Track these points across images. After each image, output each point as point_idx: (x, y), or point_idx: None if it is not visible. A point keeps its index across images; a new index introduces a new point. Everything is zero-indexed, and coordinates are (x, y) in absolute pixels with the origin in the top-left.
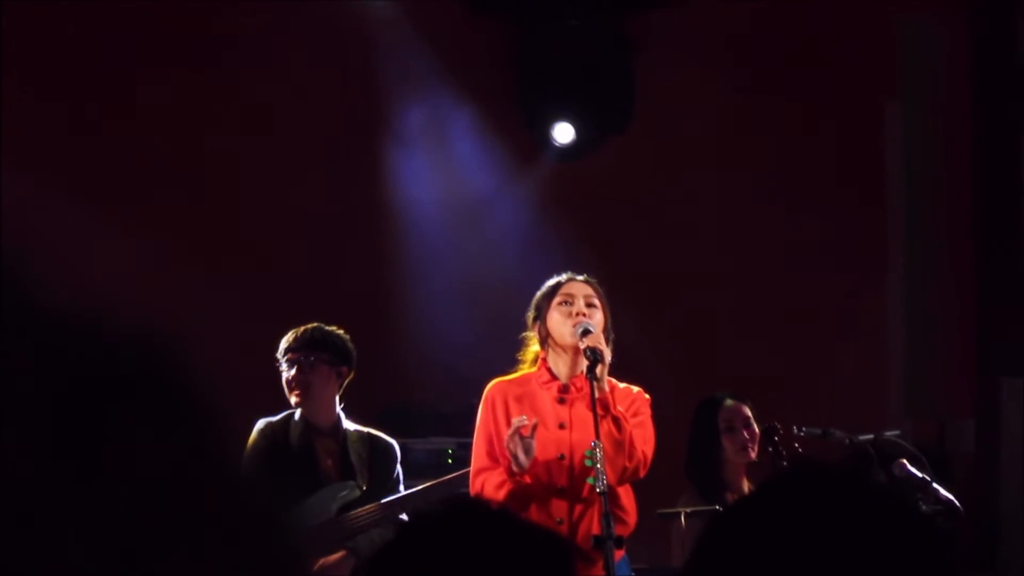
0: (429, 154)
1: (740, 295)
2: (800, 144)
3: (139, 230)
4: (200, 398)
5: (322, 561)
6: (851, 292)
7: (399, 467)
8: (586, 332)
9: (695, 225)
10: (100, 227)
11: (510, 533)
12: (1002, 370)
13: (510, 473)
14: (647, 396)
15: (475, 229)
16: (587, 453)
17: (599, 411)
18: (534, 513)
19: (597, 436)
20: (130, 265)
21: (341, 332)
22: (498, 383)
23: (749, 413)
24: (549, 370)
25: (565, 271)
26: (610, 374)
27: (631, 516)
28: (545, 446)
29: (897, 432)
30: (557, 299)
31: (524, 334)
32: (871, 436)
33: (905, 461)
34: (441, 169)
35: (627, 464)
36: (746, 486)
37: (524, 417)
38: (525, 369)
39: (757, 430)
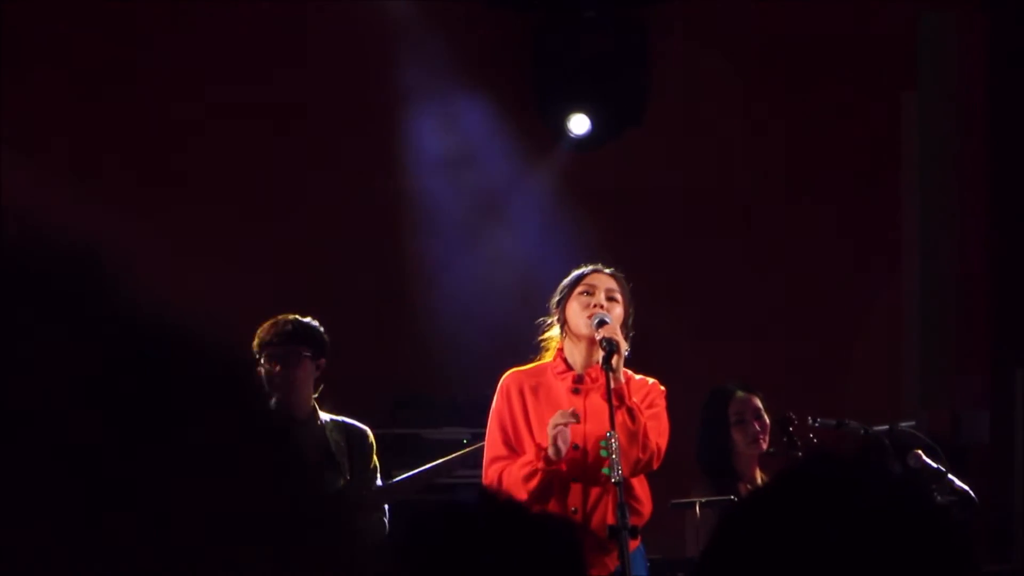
0: (446, 146)
1: (756, 286)
2: (817, 136)
3: (155, 218)
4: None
5: None
6: (866, 283)
7: (375, 455)
8: (602, 323)
9: (711, 216)
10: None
11: (524, 525)
12: (1017, 361)
13: (547, 462)
14: (662, 388)
15: (492, 221)
16: (602, 443)
17: (614, 402)
18: (551, 503)
19: (612, 426)
20: (150, 253)
21: (316, 323)
22: (513, 373)
23: (760, 404)
24: (565, 360)
25: (581, 262)
26: (626, 365)
27: (646, 507)
28: None
29: (912, 423)
30: (579, 289)
31: (544, 319)
32: (886, 427)
33: (920, 452)
34: (458, 161)
35: (641, 455)
36: (759, 477)
37: (574, 409)
38: (545, 357)
39: (768, 421)
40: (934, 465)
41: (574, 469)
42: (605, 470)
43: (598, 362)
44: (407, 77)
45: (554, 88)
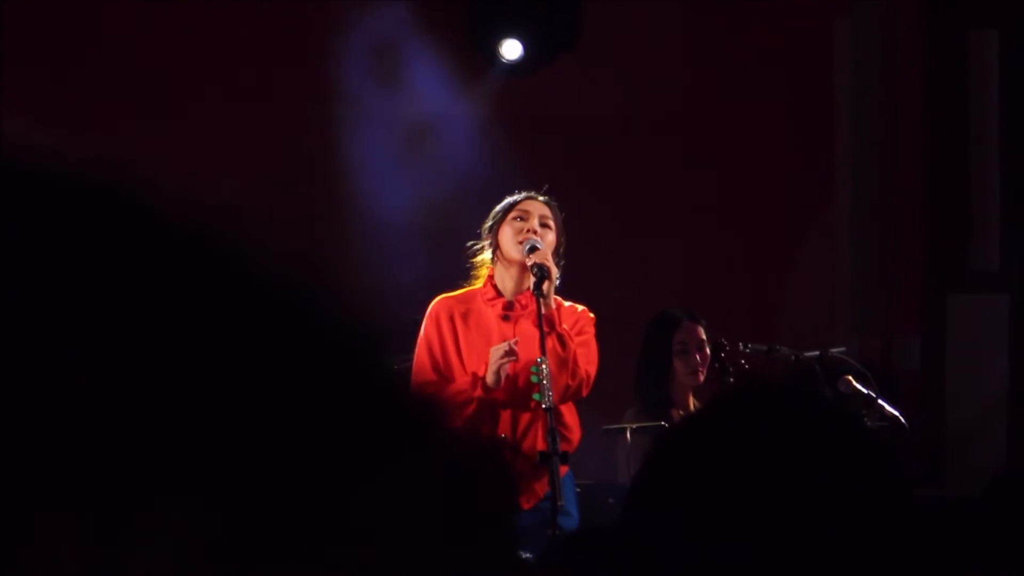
0: (378, 72)
1: (688, 213)
2: (751, 64)
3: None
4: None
5: None
6: (799, 210)
7: None
8: (533, 249)
9: (645, 143)
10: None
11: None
12: (948, 287)
13: (485, 390)
14: (591, 315)
15: (424, 147)
16: (533, 369)
17: (545, 328)
18: (482, 430)
19: (543, 352)
20: None
21: None
22: (443, 299)
23: (703, 336)
24: (495, 287)
25: (513, 188)
26: (556, 293)
27: (574, 433)
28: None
29: (843, 349)
30: (512, 214)
31: (474, 243)
32: (817, 353)
33: (851, 377)
34: (389, 87)
35: (570, 382)
36: (692, 403)
37: (517, 339)
38: (475, 283)
39: (709, 353)
40: (864, 391)
41: (505, 395)
42: (536, 396)
43: (529, 288)
44: (339, 2)
45: (486, 13)
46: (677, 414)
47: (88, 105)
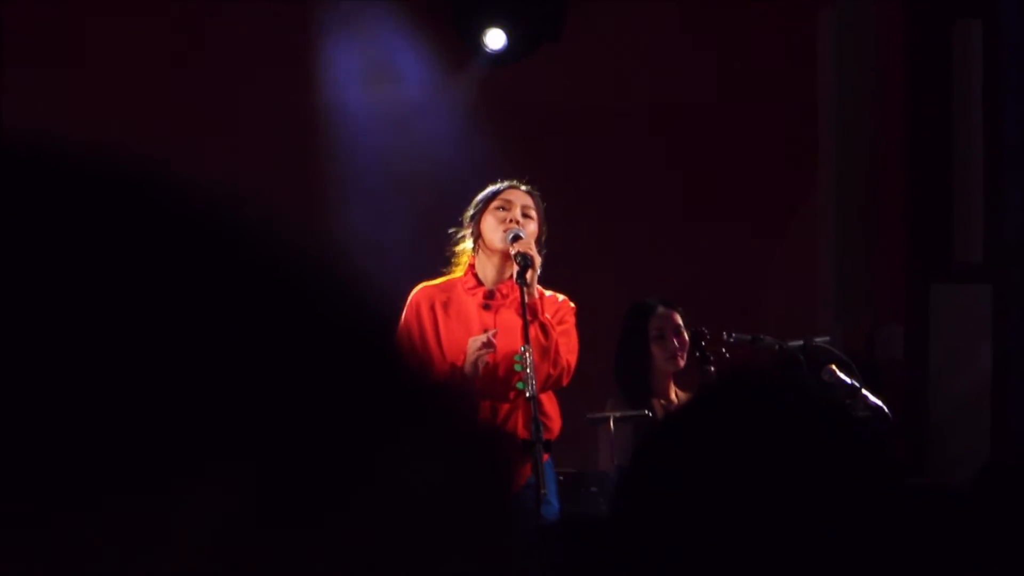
0: (359, 59)
1: (671, 202)
2: (736, 50)
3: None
4: None
5: None
6: (781, 199)
7: None
8: (516, 238)
9: (629, 131)
10: None
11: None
12: (931, 277)
13: (465, 381)
14: (572, 305)
15: (405, 135)
16: (516, 357)
17: (528, 317)
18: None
19: (526, 341)
20: None
21: None
22: (423, 288)
23: (680, 321)
24: (475, 276)
25: (495, 177)
26: (538, 282)
27: (555, 422)
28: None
29: (826, 338)
30: (495, 203)
31: (455, 230)
32: (800, 342)
33: (834, 367)
34: (371, 74)
35: (552, 371)
36: (672, 391)
37: (495, 331)
38: (455, 272)
39: (687, 338)
40: (848, 380)
41: (485, 385)
42: (519, 384)
43: (511, 277)
44: None
45: (471, 2)
46: (658, 403)
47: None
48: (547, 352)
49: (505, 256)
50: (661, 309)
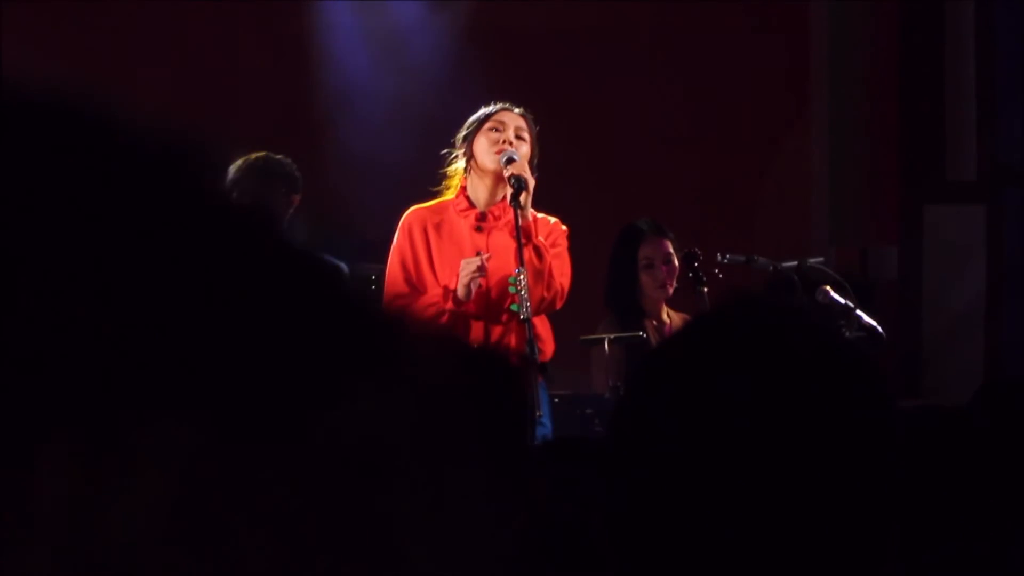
0: None
1: (662, 125)
2: None
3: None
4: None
5: None
6: (775, 120)
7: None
8: (510, 160)
9: (619, 55)
10: None
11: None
12: (924, 197)
13: (456, 303)
14: (564, 228)
15: (397, 59)
16: (511, 280)
17: (522, 239)
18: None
19: (520, 263)
20: None
21: (290, 160)
22: (416, 210)
23: (671, 249)
24: (467, 198)
25: (487, 101)
26: (531, 204)
27: (548, 345)
28: None
29: (820, 259)
30: (488, 125)
31: (447, 151)
32: (794, 263)
33: (828, 288)
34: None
35: (545, 294)
36: (665, 312)
37: (488, 255)
38: (447, 194)
39: (677, 265)
40: (842, 301)
41: (478, 307)
42: (513, 307)
43: (503, 199)
44: None
45: None
46: (650, 324)
47: None
48: (541, 275)
49: (497, 178)
50: (651, 236)
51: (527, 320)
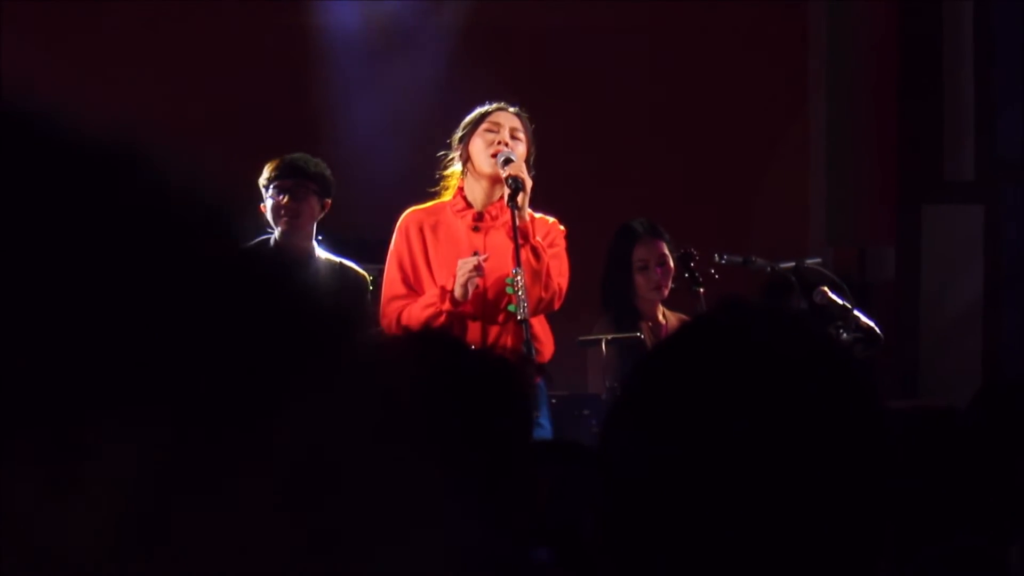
0: None
1: (660, 123)
2: None
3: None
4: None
5: None
6: (772, 119)
7: (369, 299)
8: (507, 161)
9: (618, 54)
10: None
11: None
12: (922, 197)
13: (453, 303)
14: (562, 228)
15: (397, 58)
16: (508, 280)
17: (519, 240)
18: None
19: (518, 264)
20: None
21: (323, 163)
22: (413, 212)
23: (665, 250)
24: (464, 198)
25: (487, 101)
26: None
27: (547, 346)
28: None
29: (818, 260)
30: (484, 126)
31: (445, 153)
32: (792, 264)
33: (826, 288)
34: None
35: (543, 294)
36: (661, 313)
37: (486, 256)
38: (444, 195)
39: (672, 267)
40: (840, 301)
41: (475, 307)
42: (511, 307)
43: (500, 199)
44: None
45: None
46: (646, 325)
47: None
48: (538, 275)
49: (494, 179)
50: (646, 238)
51: (524, 320)
